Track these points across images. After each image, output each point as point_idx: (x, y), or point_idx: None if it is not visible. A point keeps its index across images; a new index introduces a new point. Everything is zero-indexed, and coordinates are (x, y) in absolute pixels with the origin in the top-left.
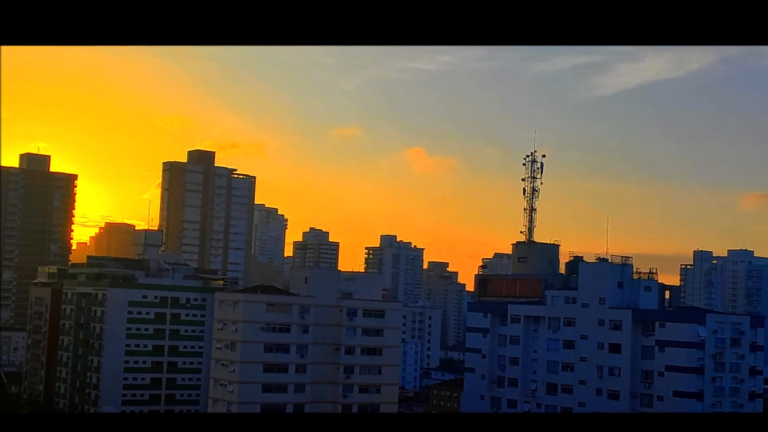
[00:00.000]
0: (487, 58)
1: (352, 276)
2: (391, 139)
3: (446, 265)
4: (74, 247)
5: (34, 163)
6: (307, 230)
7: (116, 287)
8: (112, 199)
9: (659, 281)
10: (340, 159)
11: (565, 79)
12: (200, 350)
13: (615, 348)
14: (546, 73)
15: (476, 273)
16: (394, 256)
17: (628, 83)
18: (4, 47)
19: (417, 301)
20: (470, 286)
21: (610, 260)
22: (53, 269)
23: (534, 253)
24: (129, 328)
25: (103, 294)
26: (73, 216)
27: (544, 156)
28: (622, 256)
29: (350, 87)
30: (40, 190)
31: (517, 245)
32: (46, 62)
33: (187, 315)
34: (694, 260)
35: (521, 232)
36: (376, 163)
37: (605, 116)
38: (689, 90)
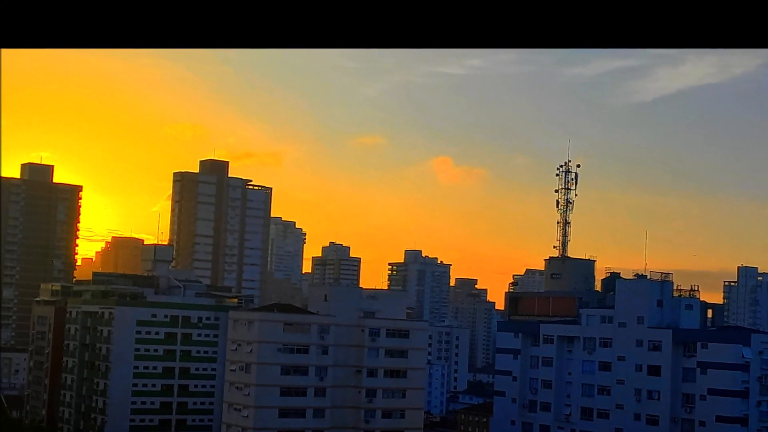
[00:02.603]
0: (519, 62)
1: (374, 294)
2: (417, 148)
3: (475, 282)
4: (79, 262)
5: (37, 174)
6: (327, 245)
7: (124, 306)
8: (119, 211)
9: (701, 299)
10: (362, 169)
11: (601, 84)
12: (213, 373)
13: (654, 370)
14: (581, 77)
15: (506, 290)
16: (419, 273)
17: (668, 89)
18: (4, 50)
19: (444, 321)
20: (500, 305)
21: (648, 277)
22: (57, 286)
23: (568, 270)
24: (137, 349)
25: (110, 313)
26: (78, 230)
27: (578, 166)
28: (662, 273)
29: (373, 93)
30: (43, 202)
31: (550, 261)
32: (49, 66)
33: (199, 335)
34: (738, 277)
35: (554, 246)
36: (401, 174)
37: (644, 123)
38: (733, 96)
